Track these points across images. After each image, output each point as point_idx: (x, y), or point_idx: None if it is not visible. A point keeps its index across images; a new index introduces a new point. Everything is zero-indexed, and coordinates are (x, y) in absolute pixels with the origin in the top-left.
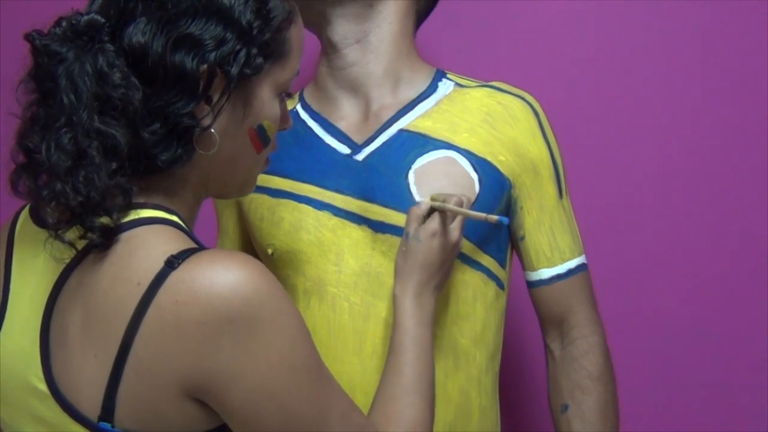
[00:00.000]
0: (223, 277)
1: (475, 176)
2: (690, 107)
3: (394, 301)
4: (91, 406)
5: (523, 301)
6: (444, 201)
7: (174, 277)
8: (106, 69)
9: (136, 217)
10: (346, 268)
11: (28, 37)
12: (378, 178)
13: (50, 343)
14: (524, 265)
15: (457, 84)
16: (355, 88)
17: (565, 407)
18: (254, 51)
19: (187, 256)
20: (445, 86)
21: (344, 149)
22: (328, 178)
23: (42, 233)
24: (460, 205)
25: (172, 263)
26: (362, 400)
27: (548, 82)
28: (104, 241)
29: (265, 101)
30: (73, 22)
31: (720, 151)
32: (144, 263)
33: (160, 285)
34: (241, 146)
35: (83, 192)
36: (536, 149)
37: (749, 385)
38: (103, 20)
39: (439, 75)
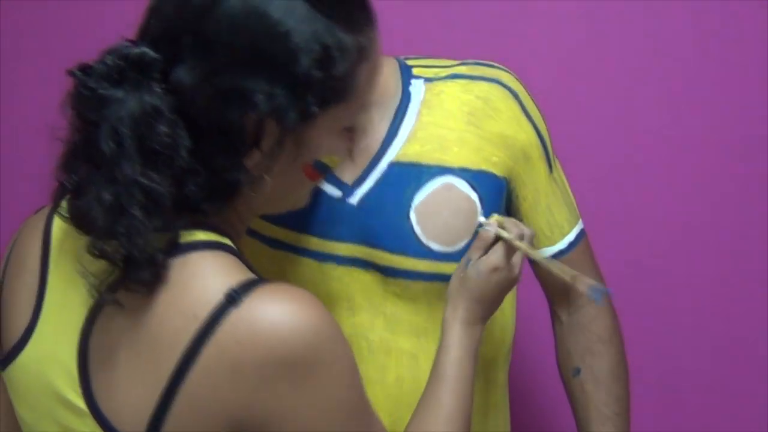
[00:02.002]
0: (285, 318)
1: (475, 196)
2: (690, 107)
3: (443, 324)
4: (133, 430)
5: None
6: (510, 231)
7: (235, 314)
8: (152, 117)
9: (191, 239)
10: (359, 311)
11: (71, 73)
12: (378, 222)
13: (89, 360)
14: None
15: (426, 79)
16: None
17: (577, 371)
18: (310, 100)
19: (248, 291)
20: (417, 89)
21: (335, 192)
22: (326, 227)
23: (82, 237)
24: (530, 239)
25: (233, 299)
26: (387, 420)
27: (548, 81)
28: (151, 284)
29: (323, 142)
30: (121, 59)
31: (720, 151)
32: (201, 295)
33: (219, 321)
34: (293, 179)
35: (125, 251)
36: (523, 135)
37: (749, 385)
38: (154, 56)
39: (406, 74)
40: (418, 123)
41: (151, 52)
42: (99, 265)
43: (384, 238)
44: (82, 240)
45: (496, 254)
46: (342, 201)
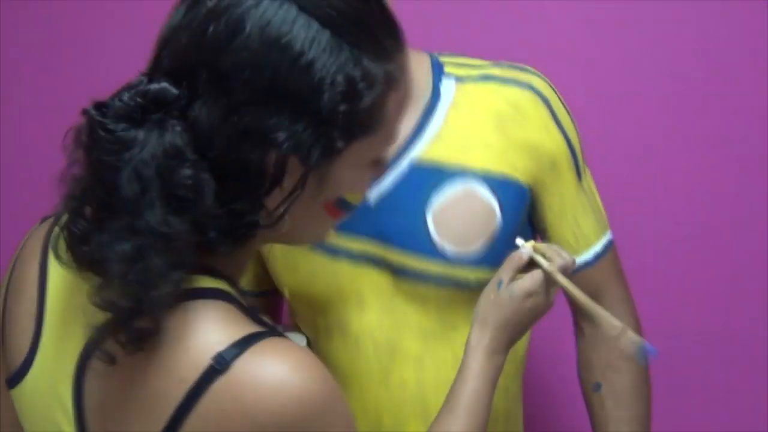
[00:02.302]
0: (273, 390)
1: (495, 204)
2: (690, 107)
3: (467, 348)
4: None
5: None
6: (549, 258)
7: (221, 382)
8: (177, 159)
9: (189, 286)
10: (368, 309)
11: (85, 113)
12: (394, 221)
13: (84, 402)
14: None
15: (457, 78)
16: None
17: (598, 386)
18: (335, 135)
19: (237, 355)
20: (447, 88)
21: None
22: (341, 222)
23: (76, 272)
24: (567, 269)
25: (220, 364)
26: (390, 421)
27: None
28: (141, 346)
29: (347, 177)
30: (140, 97)
31: (720, 151)
32: (189, 356)
33: (206, 387)
34: (314, 218)
35: (134, 301)
36: (552, 143)
37: (749, 385)
38: (174, 93)
39: (437, 71)
40: (445, 124)
41: (171, 89)
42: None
43: (398, 236)
44: (81, 280)
45: (533, 279)
46: None
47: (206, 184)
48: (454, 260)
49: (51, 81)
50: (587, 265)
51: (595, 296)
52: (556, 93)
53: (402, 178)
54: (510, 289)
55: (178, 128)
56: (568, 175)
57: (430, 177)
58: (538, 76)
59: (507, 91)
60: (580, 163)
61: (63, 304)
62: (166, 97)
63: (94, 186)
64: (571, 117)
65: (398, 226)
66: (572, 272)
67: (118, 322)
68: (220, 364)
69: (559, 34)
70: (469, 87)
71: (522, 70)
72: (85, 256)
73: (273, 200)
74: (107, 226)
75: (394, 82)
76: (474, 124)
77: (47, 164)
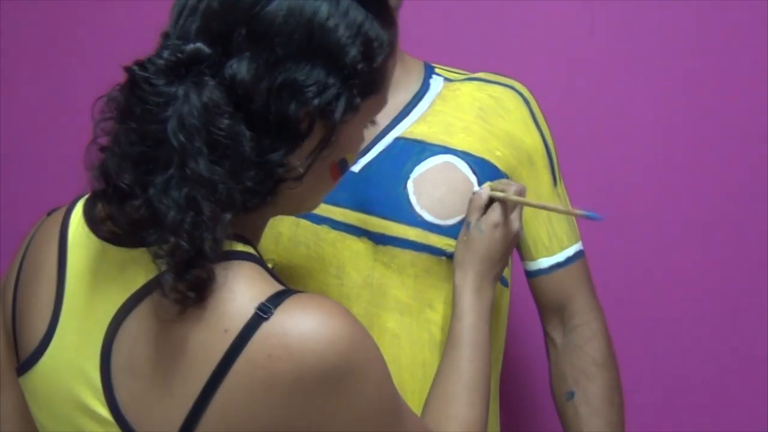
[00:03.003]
0: (316, 331)
1: (474, 179)
2: (689, 107)
3: (454, 291)
4: None
5: (521, 292)
6: (503, 191)
7: (266, 328)
8: (215, 110)
9: (222, 249)
10: (347, 281)
11: (127, 69)
12: (376, 190)
13: (112, 369)
14: (522, 256)
15: (446, 79)
16: None
17: (571, 394)
18: (355, 92)
19: (277, 304)
20: (436, 83)
21: None
22: None
23: (108, 248)
24: (520, 194)
25: (264, 312)
26: None
27: (547, 80)
28: (200, 297)
29: (353, 136)
30: (178, 54)
31: (720, 150)
32: (231, 309)
33: (251, 335)
34: (320, 178)
35: (195, 247)
36: (530, 139)
37: (749, 385)
38: (208, 51)
39: (429, 71)
40: (430, 110)
41: (205, 48)
42: (126, 276)
43: (379, 205)
44: (105, 247)
45: (495, 212)
46: None
47: (243, 132)
48: (431, 227)
49: (51, 80)
50: (559, 266)
51: (564, 300)
52: (536, 100)
53: (386, 151)
54: (478, 226)
55: (212, 83)
56: (545, 174)
57: (413, 149)
58: (521, 83)
59: (491, 88)
60: (556, 170)
61: (86, 281)
62: (200, 56)
63: (137, 140)
64: (548, 126)
65: (380, 195)
66: (545, 273)
67: (178, 270)
68: (264, 312)
69: (558, 34)
70: (456, 85)
71: (506, 77)
72: (133, 212)
73: (297, 157)
74: (156, 177)
75: (394, 48)
76: (457, 112)
77: (47, 164)
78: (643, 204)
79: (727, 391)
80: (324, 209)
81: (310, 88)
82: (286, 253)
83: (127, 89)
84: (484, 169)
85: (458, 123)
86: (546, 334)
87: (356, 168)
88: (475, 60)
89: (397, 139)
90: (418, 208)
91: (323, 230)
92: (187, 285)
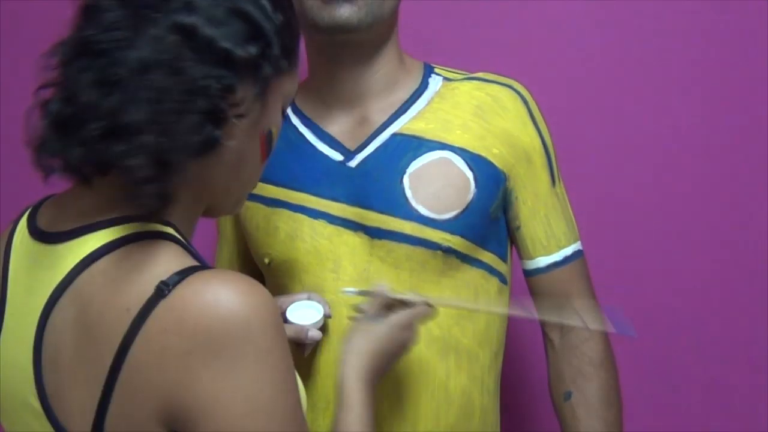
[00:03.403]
0: (212, 307)
1: (470, 175)
2: (689, 107)
3: (344, 380)
4: (81, 430)
5: (520, 293)
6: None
7: (163, 305)
8: (171, 45)
9: (133, 231)
10: (343, 275)
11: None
12: (372, 184)
13: (42, 362)
14: (521, 255)
15: (445, 78)
16: (354, 97)
17: (569, 395)
18: (282, 52)
19: (178, 281)
20: (435, 82)
21: (337, 156)
22: (323, 186)
23: (38, 246)
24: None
25: (162, 290)
26: None
27: (547, 80)
28: (160, 204)
29: (276, 108)
30: None
31: (720, 150)
32: (134, 288)
33: (149, 312)
34: (251, 149)
35: (166, 142)
36: (528, 138)
37: (749, 385)
38: None
39: (428, 71)
40: (428, 107)
41: None
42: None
43: (375, 200)
44: (37, 246)
45: (406, 315)
46: (342, 164)
47: (190, 61)
48: (427, 221)
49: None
50: (556, 265)
51: (561, 300)
52: (534, 101)
53: (383, 146)
54: (389, 322)
55: (162, 19)
56: (543, 174)
57: (410, 144)
58: (520, 83)
59: (489, 87)
60: (555, 169)
61: (22, 282)
62: None
63: (93, 62)
64: (547, 126)
65: (376, 190)
66: (543, 272)
67: (137, 182)
68: (161, 291)
69: (558, 34)
70: (455, 84)
71: (504, 77)
72: (97, 131)
73: (233, 101)
74: (117, 86)
75: (299, 30)
76: (455, 110)
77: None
78: (643, 205)
79: (727, 391)
80: (322, 204)
81: (252, 33)
82: (282, 247)
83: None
84: (481, 166)
85: (456, 120)
86: (544, 334)
87: (353, 163)
88: (474, 61)
89: (395, 135)
90: (414, 203)
91: (320, 225)
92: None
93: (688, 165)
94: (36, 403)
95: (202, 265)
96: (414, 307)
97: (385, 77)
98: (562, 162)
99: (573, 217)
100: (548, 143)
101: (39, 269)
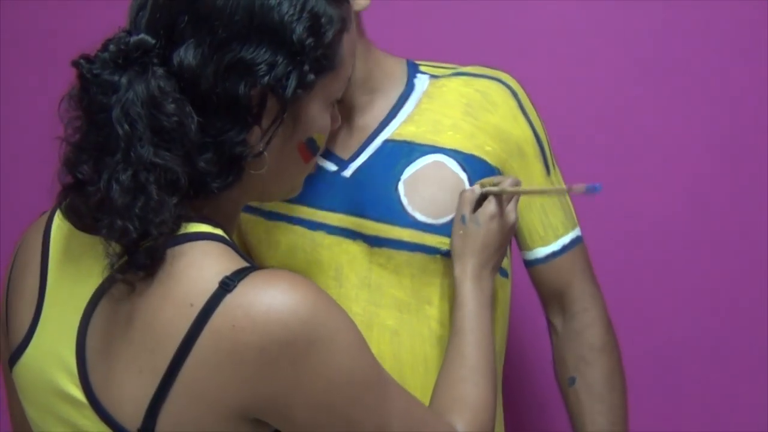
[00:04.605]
0: (280, 300)
1: (464, 176)
2: (689, 107)
3: (455, 282)
4: (132, 420)
5: (521, 283)
6: (496, 184)
7: (229, 300)
8: (160, 97)
9: (184, 231)
10: (345, 282)
11: (75, 64)
12: (367, 193)
13: (87, 352)
14: (520, 246)
15: (432, 75)
16: (340, 106)
17: (572, 380)
18: (306, 69)
19: (242, 278)
20: (421, 82)
21: (331, 166)
22: (319, 198)
23: (85, 239)
24: (515, 183)
25: (227, 285)
26: None
27: (546, 81)
28: (151, 268)
29: (316, 115)
30: (122, 45)
31: (720, 151)
32: (196, 284)
33: (215, 308)
34: (289, 160)
35: (142, 228)
36: (519, 131)
37: (749, 385)
38: (153, 41)
39: (413, 70)
40: (417, 109)
41: (149, 38)
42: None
43: (372, 208)
44: (82, 237)
45: (491, 204)
46: (336, 174)
47: (188, 116)
48: (424, 227)
49: (51, 80)
50: (554, 255)
51: (563, 288)
52: (524, 91)
53: (376, 154)
54: (475, 218)
55: (160, 72)
56: (536, 165)
57: (402, 150)
58: (508, 74)
59: (477, 82)
60: (549, 158)
61: (65, 270)
62: (145, 46)
63: (89, 131)
64: (538, 115)
65: (372, 198)
66: (542, 262)
67: (128, 249)
68: (227, 286)
69: (557, 35)
70: (442, 81)
71: (493, 69)
72: (91, 197)
73: (254, 137)
74: (105, 163)
75: (346, 24)
76: (444, 109)
77: (47, 164)
78: (643, 204)
79: (727, 391)
80: (319, 215)
81: (259, 67)
82: (284, 259)
83: (77, 80)
84: (474, 166)
85: (446, 120)
86: (548, 322)
87: (347, 173)
88: (472, 61)
89: (386, 142)
90: (410, 209)
91: (319, 236)
92: (136, 265)
93: (688, 165)
94: (78, 393)
95: (257, 265)
96: (501, 191)
97: (362, 85)
98: (562, 163)
99: (571, 203)
100: (540, 132)
101: (86, 259)
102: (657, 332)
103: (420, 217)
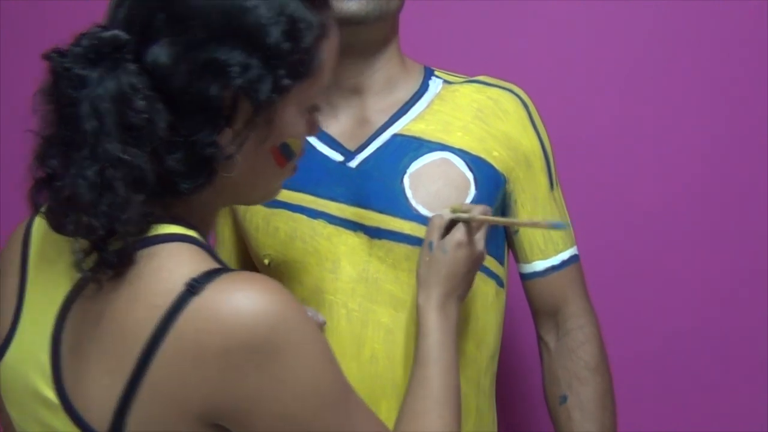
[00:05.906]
0: (247, 303)
1: (470, 176)
2: (689, 107)
3: (418, 311)
4: (101, 422)
5: (515, 296)
6: (467, 211)
7: (195, 303)
8: (130, 93)
9: (155, 233)
10: (342, 275)
11: (47, 57)
12: (372, 185)
13: (61, 353)
14: (518, 258)
15: (446, 81)
16: (355, 94)
17: (564, 398)
18: (281, 73)
19: (209, 280)
20: (435, 84)
21: (337, 157)
22: (322, 187)
23: (61, 240)
24: (486, 212)
25: (194, 288)
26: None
27: (546, 83)
28: (120, 267)
29: (290, 120)
30: (95, 41)
31: (719, 151)
32: (163, 285)
33: (181, 310)
34: (263, 164)
35: (108, 225)
36: (528, 141)
37: (749, 385)
38: (126, 37)
39: (428, 73)
40: (429, 109)
41: (122, 34)
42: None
43: (375, 200)
44: (58, 237)
45: (459, 231)
46: (342, 165)
47: (158, 113)
48: (426, 222)
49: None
50: (554, 269)
51: (558, 304)
52: (534, 105)
53: (384, 147)
54: (441, 246)
55: (132, 68)
56: (542, 177)
57: (411, 145)
58: (520, 88)
59: (489, 90)
60: (553, 174)
61: (42, 272)
62: (117, 42)
63: (59, 125)
64: (546, 130)
65: (376, 190)
66: (540, 276)
67: (96, 247)
68: (193, 288)
69: (557, 35)
70: (455, 86)
71: (505, 81)
72: (59, 192)
73: (225, 138)
74: (73, 158)
75: (327, 30)
76: (456, 112)
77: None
78: (640, 207)
79: (726, 391)
80: (321, 204)
81: (233, 68)
82: (282, 247)
83: (48, 74)
84: (481, 168)
85: (456, 122)
86: (539, 338)
87: (353, 164)
88: (473, 63)
89: (395, 136)
90: (413, 202)
91: (320, 225)
92: (106, 264)
93: (688, 165)
94: (51, 395)
95: (227, 268)
96: (471, 219)
97: (385, 76)
98: (561, 164)
99: (570, 223)
100: (547, 148)
101: (63, 258)
102: (657, 332)
103: (423, 210)
